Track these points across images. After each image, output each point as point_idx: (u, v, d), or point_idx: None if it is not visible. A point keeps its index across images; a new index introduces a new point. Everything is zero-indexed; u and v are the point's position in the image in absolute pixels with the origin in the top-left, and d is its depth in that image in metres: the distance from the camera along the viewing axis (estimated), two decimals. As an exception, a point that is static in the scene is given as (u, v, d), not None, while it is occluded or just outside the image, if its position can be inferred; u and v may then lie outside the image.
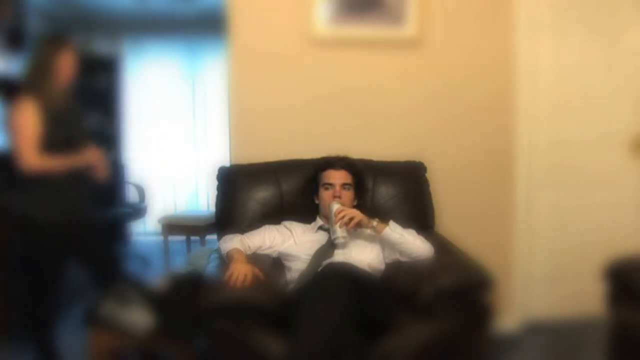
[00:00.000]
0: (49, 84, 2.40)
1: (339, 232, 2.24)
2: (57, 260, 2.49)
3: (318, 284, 2.00)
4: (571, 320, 3.06)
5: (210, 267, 2.30)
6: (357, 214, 2.28)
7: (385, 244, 2.34)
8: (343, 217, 2.25)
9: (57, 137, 2.38)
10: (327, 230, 2.41)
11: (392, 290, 2.17)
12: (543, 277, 3.17)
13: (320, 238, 2.39)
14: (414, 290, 2.11)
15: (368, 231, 2.35)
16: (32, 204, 2.42)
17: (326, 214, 2.42)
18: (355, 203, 2.46)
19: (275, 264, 2.40)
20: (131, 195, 5.16)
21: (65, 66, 2.44)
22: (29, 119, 2.32)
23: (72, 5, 4.95)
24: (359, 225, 2.29)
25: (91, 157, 2.48)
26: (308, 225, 2.48)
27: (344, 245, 2.31)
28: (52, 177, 2.39)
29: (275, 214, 2.54)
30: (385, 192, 2.64)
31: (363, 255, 2.33)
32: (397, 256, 2.33)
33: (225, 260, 2.26)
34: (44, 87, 2.38)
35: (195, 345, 2.22)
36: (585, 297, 2.77)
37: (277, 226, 2.47)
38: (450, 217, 2.80)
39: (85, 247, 2.56)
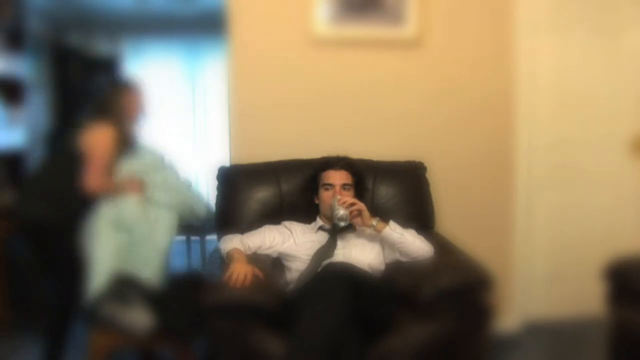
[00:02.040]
0: (120, 118, 2.52)
1: (342, 211, 2.25)
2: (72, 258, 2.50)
3: (318, 284, 2.00)
4: (571, 320, 3.06)
5: (210, 267, 2.30)
6: (359, 202, 2.31)
7: (385, 243, 2.34)
8: (345, 202, 2.29)
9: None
10: (327, 231, 2.41)
11: (392, 290, 2.17)
12: (543, 277, 3.17)
13: (321, 238, 2.39)
14: (414, 290, 2.11)
15: (368, 231, 2.35)
16: (35, 205, 2.45)
17: (326, 214, 2.42)
18: (355, 203, 2.47)
19: (275, 264, 2.40)
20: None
21: (132, 106, 2.57)
22: (105, 143, 2.43)
23: (72, 6, 4.94)
24: (359, 216, 2.29)
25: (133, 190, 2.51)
26: (308, 226, 2.48)
27: (345, 226, 2.31)
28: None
29: (275, 214, 2.54)
30: (385, 192, 2.64)
31: (363, 255, 2.33)
32: (397, 256, 2.33)
33: (225, 260, 2.26)
34: (115, 119, 2.50)
35: (195, 345, 2.22)
36: (585, 297, 2.77)
37: (277, 226, 2.47)
38: (450, 217, 2.80)
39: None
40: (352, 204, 2.29)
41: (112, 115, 2.50)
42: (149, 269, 2.35)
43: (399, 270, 2.29)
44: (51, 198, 2.44)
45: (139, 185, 2.45)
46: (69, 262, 2.42)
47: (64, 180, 2.44)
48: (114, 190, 2.42)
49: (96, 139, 2.44)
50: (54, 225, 2.42)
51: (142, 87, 2.65)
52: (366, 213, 2.30)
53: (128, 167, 2.48)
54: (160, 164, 2.59)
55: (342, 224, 2.26)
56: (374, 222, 2.30)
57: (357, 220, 2.31)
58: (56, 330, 2.51)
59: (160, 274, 2.37)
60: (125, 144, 2.50)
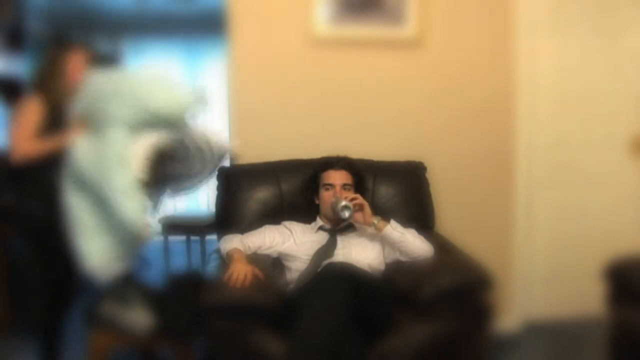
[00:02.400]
0: (57, 84, 2.45)
1: (345, 202, 2.26)
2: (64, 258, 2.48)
3: (318, 284, 2.00)
4: (571, 320, 3.06)
5: (210, 267, 2.30)
6: (361, 197, 2.32)
7: (385, 242, 2.34)
8: (346, 197, 2.31)
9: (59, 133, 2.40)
10: (327, 231, 2.41)
11: (392, 290, 2.17)
12: (543, 277, 3.17)
13: (321, 238, 2.39)
14: (414, 290, 2.11)
15: (368, 230, 2.35)
16: (32, 203, 2.43)
17: (326, 214, 2.42)
18: (355, 203, 2.47)
19: (275, 264, 2.40)
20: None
21: (74, 68, 2.48)
22: (31, 113, 2.38)
23: (72, 5, 4.95)
24: (361, 211, 2.30)
25: (76, 132, 2.33)
26: (308, 226, 2.48)
27: (347, 224, 2.35)
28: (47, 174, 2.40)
29: (275, 214, 2.54)
30: (385, 192, 2.64)
31: (363, 255, 2.34)
32: (397, 256, 2.33)
33: (225, 260, 2.26)
34: (52, 87, 2.44)
35: (195, 345, 2.22)
36: (585, 297, 2.77)
37: (277, 226, 2.47)
38: (450, 217, 2.79)
39: None
40: (354, 198, 2.30)
41: (48, 83, 2.45)
42: (122, 206, 2.11)
43: (399, 270, 2.29)
44: (50, 197, 2.43)
45: (78, 126, 2.28)
46: (68, 261, 2.42)
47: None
48: (55, 148, 2.32)
49: (22, 110, 2.41)
50: (53, 225, 2.42)
51: (83, 48, 2.54)
52: (368, 210, 2.31)
53: (77, 110, 2.29)
54: (109, 83, 2.25)
55: (347, 213, 2.26)
56: (375, 220, 2.30)
57: (359, 217, 2.32)
58: (54, 330, 2.51)
59: (138, 203, 2.12)
60: (63, 108, 2.40)
